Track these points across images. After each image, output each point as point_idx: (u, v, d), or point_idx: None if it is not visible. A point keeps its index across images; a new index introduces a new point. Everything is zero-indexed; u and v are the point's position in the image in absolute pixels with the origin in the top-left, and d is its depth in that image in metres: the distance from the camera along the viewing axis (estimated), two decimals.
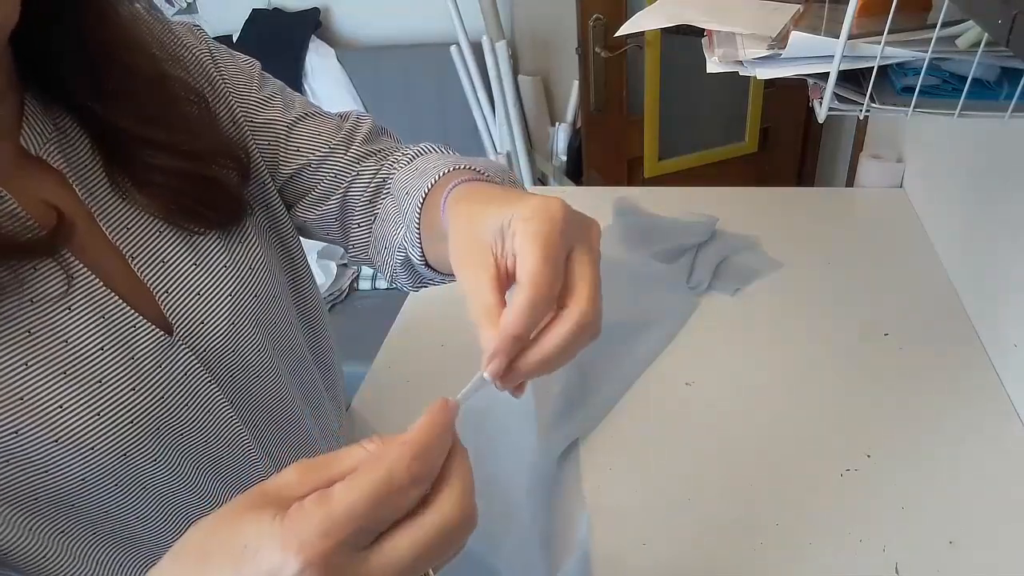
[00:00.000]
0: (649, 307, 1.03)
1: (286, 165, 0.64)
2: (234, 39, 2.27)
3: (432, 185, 0.55)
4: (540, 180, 2.28)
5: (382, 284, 2.03)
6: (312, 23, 2.25)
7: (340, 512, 0.30)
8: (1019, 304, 0.84)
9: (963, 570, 0.68)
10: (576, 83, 2.14)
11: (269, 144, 0.63)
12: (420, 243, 0.57)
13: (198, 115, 0.57)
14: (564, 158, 2.25)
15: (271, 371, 0.60)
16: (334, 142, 0.65)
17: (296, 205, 0.67)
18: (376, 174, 0.66)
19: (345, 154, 0.66)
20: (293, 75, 2.20)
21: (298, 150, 0.64)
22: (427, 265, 0.59)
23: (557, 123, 2.28)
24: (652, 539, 0.74)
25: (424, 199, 0.55)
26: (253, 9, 2.27)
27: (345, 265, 2.06)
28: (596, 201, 1.34)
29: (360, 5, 2.29)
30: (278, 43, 2.23)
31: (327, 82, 2.24)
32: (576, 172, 2.23)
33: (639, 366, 0.95)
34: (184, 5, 2.34)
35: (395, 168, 0.65)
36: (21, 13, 0.43)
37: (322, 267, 1.99)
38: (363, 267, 2.04)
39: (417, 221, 0.56)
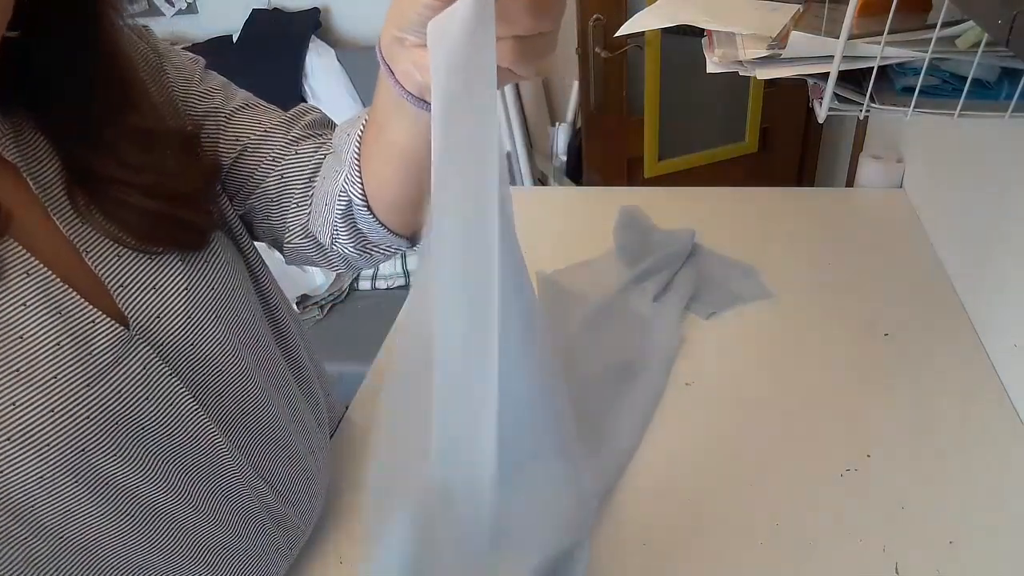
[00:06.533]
0: (644, 345, 0.98)
1: (226, 155, 0.64)
2: (234, 39, 2.26)
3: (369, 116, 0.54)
4: (540, 180, 2.28)
5: (382, 284, 2.03)
6: (312, 23, 2.25)
7: None
8: (1019, 304, 0.84)
9: (963, 570, 0.68)
10: (576, 83, 2.14)
11: (209, 136, 0.63)
12: (361, 180, 0.56)
13: (178, 151, 0.57)
14: (564, 158, 2.25)
15: (236, 365, 0.59)
16: (271, 125, 0.65)
17: (236, 195, 0.66)
18: (316, 152, 0.65)
19: (285, 136, 0.65)
20: (293, 75, 2.20)
21: (236, 138, 0.64)
22: (368, 208, 0.58)
23: (557, 123, 2.27)
24: (652, 539, 0.74)
25: (364, 130, 0.55)
26: (253, 9, 2.27)
27: None
28: (596, 201, 1.34)
29: (360, 5, 2.29)
30: (278, 43, 2.23)
31: (327, 82, 2.24)
32: (576, 172, 2.23)
33: (649, 407, 0.89)
34: (184, 6, 2.34)
35: None
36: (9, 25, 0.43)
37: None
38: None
39: (357, 155, 0.55)
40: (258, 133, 0.64)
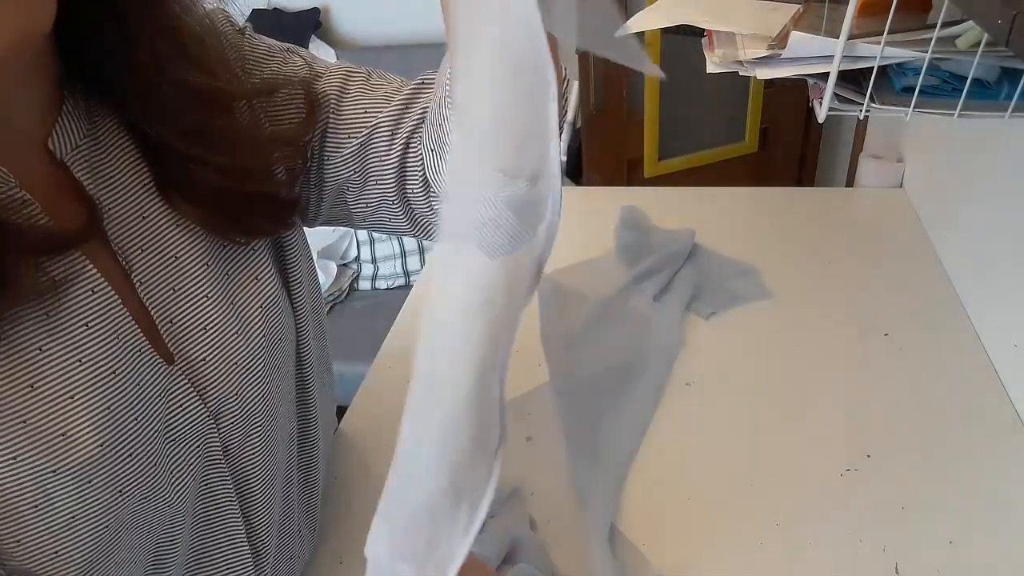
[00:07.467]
0: (644, 345, 0.98)
1: (342, 146, 0.60)
2: None
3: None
4: None
5: (382, 284, 2.03)
6: (312, 23, 2.25)
7: None
8: (1019, 304, 0.84)
9: (963, 570, 0.68)
10: (576, 83, 2.14)
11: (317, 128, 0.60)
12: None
13: (247, 127, 0.54)
14: (564, 158, 2.25)
15: (267, 415, 0.56)
16: (381, 116, 0.60)
17: (356, 183, 0.61)
18: (406, 89, 0.60)
19: (367, 89, 0.60)
20: None
21: (350, 133, 0.60)
22: None
23: None
24: (651, 539, 0.74)
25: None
26: (253, 9, 2.27)
27: (345, 265, 2.06)
28: (596, 201, 1.34)
29: (360, 5, 2.29)
30: None
31: None
32: (576, 172, 2.23)
33: (649, 408, 0.89)
34: None
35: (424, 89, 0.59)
36: (64, 12, 0.40)
37: (322, 267, 1.98)
38: (363, 266, 2.04)
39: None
40: (370, 125, 0.59)
